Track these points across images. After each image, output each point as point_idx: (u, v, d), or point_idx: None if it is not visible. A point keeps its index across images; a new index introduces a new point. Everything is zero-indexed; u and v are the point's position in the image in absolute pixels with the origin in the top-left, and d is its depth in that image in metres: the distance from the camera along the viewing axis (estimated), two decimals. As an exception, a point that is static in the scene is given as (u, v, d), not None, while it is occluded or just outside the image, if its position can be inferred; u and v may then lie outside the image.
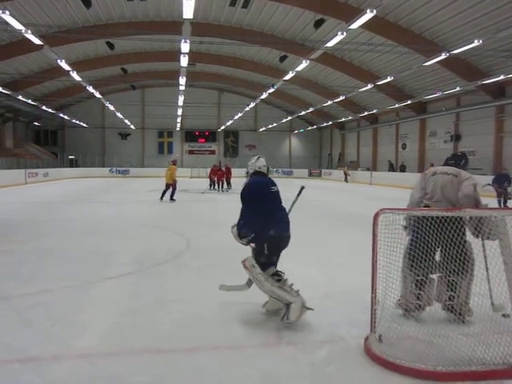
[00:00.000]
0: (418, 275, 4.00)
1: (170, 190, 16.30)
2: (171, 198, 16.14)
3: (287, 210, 4.40)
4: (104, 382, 3.04)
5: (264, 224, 4.06)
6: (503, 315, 3.70)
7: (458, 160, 4.33)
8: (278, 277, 4.12)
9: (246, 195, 4.21)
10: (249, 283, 4.31)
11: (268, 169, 4.44)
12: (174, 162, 17.11)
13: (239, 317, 4.28)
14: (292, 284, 4.15)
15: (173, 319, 4.23)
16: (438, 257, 3.93)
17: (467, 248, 3.87)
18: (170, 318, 4.25)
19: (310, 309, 4.04)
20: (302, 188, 4.71)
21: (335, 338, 3.77)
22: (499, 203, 13.70)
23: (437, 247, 3.73)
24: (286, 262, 6.48)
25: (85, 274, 5.94)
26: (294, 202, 4.56)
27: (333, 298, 4.87)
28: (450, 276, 3.94)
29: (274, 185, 4.32)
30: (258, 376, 3.14)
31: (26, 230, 9.74)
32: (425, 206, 4.09)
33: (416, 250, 3.78)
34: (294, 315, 3.94)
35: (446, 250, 3.67)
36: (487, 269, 3.77)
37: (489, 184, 13.59)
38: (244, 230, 4.13)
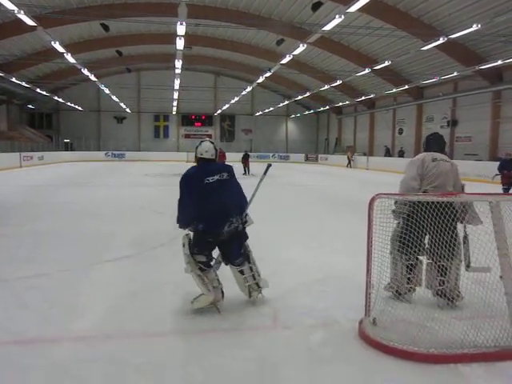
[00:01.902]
0: (408, 259, 4.07)
1: None
2: None
3: (254, 188, 4.14)
4: (103, 363, 3.09)
5: (197, 217, 3.87)
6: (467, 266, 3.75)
7: (441, 146, 4.46)
8: (203, 266, 3.93)
9: (180, 185, 3.93)
10: (216, 265, 4.16)
11: (216, 152, 4.02)
12: None
13: (235, 300, 4.32)
14: (259, 277, 4.10)
15: (169, 302, 4.26)
16: (426, 241, 3.98)
17: (456, 233, 3.93)
18: (167, 301, 4.28)
19: (218, 309, 3.98)
20: (269, 166, 4.38)
21: (330, 321, 3.83)
22: (504, 191, 13.19)
23: (429, 232, 3.77)
24: (284, 247, 6.55)
25: (82, 256, 5.97)
26: (260, 180, 4.22)
27: (329, 282, 4.92)
28: (440, 261, 3.99)
29: (215, 174, 3.88)
30: (253, 358, 3.19)
31: (23, 214, 9.74)
32: (423, 192, 4.12)
33: (410, 235, 3.81)
34: (198, 304, 3.94)
35: (438, 234, 3.71)
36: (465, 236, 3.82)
37: (497, 174, 13.19)
38: (181, 223, 4.01)
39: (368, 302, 3.51)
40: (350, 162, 33.66)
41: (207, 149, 3.96)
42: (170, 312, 4.02)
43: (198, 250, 3.92)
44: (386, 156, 32.52)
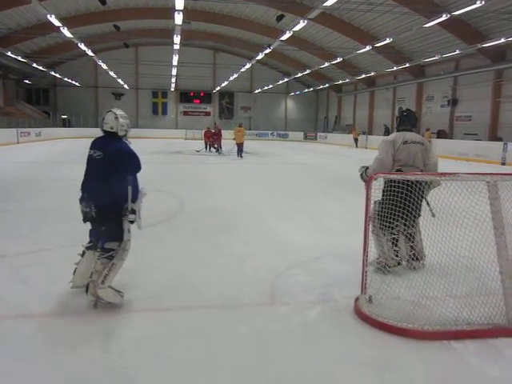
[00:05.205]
0: (392, 234, 4.36)
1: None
2: (241, 156, 19.54)
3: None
4: (102, 337, 3.14)
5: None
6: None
7: (413, 122, 4.71)
8: (86, 249, 3.96)
9: None
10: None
11: (118, 123, 3.77)
12: (241, 125, 21.04)
13: (232, 277, 4.37)
14: (103, 284, 3.55)
15: (166, 278, 4.30)
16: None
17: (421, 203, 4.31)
18: (163, 278, 4.32)
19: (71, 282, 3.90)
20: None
21: (327, 298, 3.88)
22: None
23: (404, 206, 3.94)
24: (283, 226, 6.59)
25: (82, 233, 5.96)
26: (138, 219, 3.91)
27: (326, 260, 4.97)
28: (407, 230, 4.39)
29: (92, 148, 3.75)
30: (249, 334, 3.24)
31: (23, 189, 9.75)
32: (396, 171, 4.39)
33: (390, 211, 4.00)
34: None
35: (412, 208, 3.95)
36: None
37: None
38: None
39: (364, 280, 3.55)
40: (356, 143, 32.79)
41: (107, 121, 3.77)
42: (167, 287, 4.06)
43: (94, 230, 3.92)
44: (385, 135, 32.33)
